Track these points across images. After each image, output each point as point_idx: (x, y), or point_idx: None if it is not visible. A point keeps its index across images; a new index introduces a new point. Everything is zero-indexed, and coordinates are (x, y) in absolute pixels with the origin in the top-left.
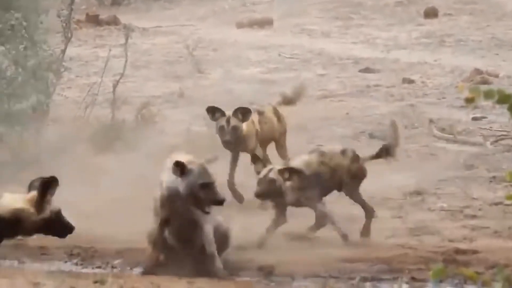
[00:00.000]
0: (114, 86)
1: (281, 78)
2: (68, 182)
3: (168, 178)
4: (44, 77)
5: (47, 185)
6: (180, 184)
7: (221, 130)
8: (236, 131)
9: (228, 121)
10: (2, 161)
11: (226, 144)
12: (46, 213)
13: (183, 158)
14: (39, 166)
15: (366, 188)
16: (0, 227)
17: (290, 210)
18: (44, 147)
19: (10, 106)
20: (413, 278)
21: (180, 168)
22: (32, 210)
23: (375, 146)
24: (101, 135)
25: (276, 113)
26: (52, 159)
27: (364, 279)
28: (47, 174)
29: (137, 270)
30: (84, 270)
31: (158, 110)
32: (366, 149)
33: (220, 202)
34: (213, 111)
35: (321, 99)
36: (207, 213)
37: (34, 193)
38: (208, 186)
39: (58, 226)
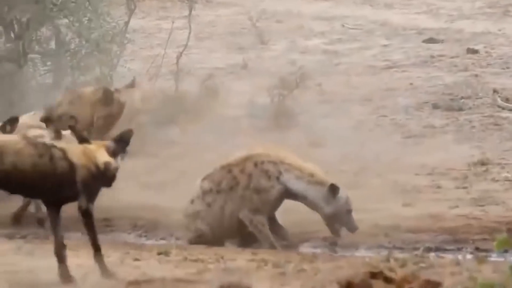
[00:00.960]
0: (178, 58)
1: (345, 49)
2: (132, 153)
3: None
4: (107, 49)
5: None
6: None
7: None
8: None
9: None
10: None
11: None
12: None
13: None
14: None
15: (430, 159)
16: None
17: None
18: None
19: (74, 78)
20: (477, 249)
21: (332, 192)
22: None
23: (439, 117)
24: (165, 107)
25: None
26: (116, 131)
27: (428, 250)
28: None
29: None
30: (148, 242)
31: (221, 82)
32: (430, 119)
33: (353, 230)
34: None
35: (385, 70)
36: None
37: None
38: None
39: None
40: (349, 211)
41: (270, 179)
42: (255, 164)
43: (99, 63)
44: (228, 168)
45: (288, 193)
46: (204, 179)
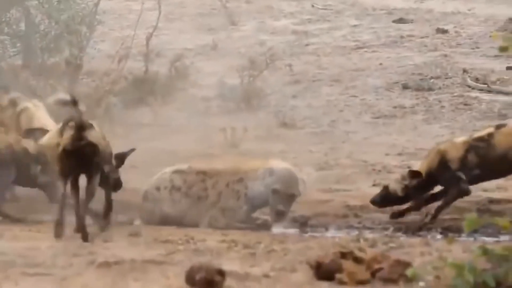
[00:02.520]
0: (148, 39)
1: (314, 29)
2: None
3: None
4: (77, 30)
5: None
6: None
7: None
8: None
9: None
10: None
11: None
12: None
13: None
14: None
15: (400, 138)
16: None
17: None
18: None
19: (44, 59)
20: (447, 228)
21: None
22: None
23: (409, 97)
24: (134, 88)
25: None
26: (86, 112)
27: (398, 230)
28: None
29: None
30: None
31: (191, 63)
32: (400, 99)
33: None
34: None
35: (354, 50)
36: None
37: None
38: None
39: None
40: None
41: (238, 200)
42: (227, 185)
43: (68, 44)
44: (202, 177)
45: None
46: (175, 172)
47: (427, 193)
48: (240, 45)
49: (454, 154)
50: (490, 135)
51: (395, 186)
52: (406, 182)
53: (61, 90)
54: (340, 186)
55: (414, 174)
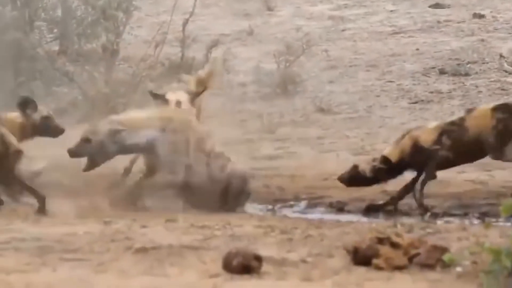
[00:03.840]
0: (184, 25)
1: (351, 14)
2: None
3: None
4: (114, 16)
5: None
6: None
7: None
8: None
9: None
10: (73, 100)
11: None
12: None
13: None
14: (109, 105)
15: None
16: None
17: None
18: (114, 86)
19: (81, 45)
20: (484, 213)
21: None
22: None
23: (446, 82)
24: (171, 74)
25: None
26: (122, 97)
27: (435, 215)
28: (116, 112)
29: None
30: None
31: (227, 48)
32: (436, 84)
33: None
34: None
35: (391, 35)
36: None
37: None
38: None
39: None
40: None
41: None
42: None
43: (105, 30)
44: None
45: None
46: None
47: (395, 177)
48: (276, 31)
49: (427, 138)
50: (461, 119)
51: (365, 167)
52: (375, 164)
53: (98, 76)
54: None
55: (385, 159)
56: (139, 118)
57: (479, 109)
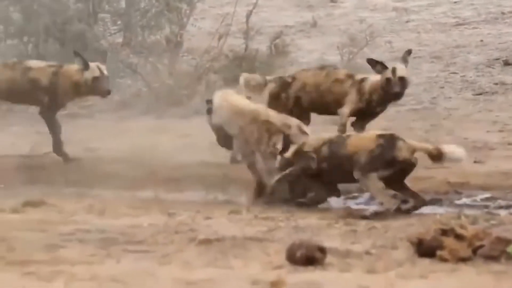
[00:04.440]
0: (248, 16)
1: (414, 6)
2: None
3: None
4: (177, 8)
5: None
6: None
7: (387, 83)
8: (404, 82)
9: (394, 71)
10: (137, 91)
11: (395, 97)
12: None
13: None
14: (173, 96)
15: (502, 115)
16: None
17: None
18: (178, 77)
19: (145, 37)
20: None
21: None
22: None
23: (510, 73)
24: (234, 66)
25: None
26: (185, 89)
27: (499, 207)
28: (179, 104)
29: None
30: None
31: (291, 40)
32: (501, 75)
33: None
34: (374, 64)
35: (455, 27)
36: None
37: None
38: None
39: None
40: None
41: None
42: None
43: (169, 22)
44: None
45: None
46: None
47: None
48: (340, 22)
49: (311, 144)
50: (347, 136)
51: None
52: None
53: (161, 67)
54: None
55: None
56: None
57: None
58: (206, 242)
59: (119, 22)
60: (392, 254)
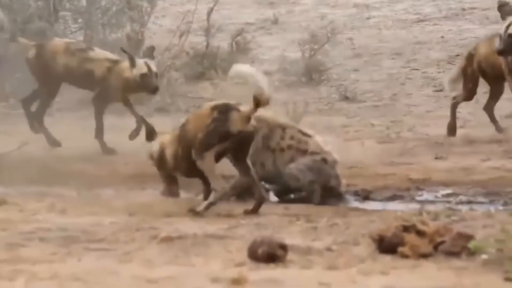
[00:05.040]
0: (209, 14)
1: (375, 2)
2: (163, 109)
3: None
4: (138, 6)
5: None
6: None
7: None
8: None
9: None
10: None
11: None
12: None
13: None
14: (135, 94)
15: (462, 111)
16: None
17: None
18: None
19: (106, 35)
20: (510, 200)
21: None
22: None
23: None
24: (196, 63)
25: None
26: None
27: (461, 202)
28: (143, 102)
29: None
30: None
31: (252, 37)
32: None
33: None
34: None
35: (416, 23)
36: None
37: None
38: None
39: None
40: None
41: None
42: None
43: (130, 20)
44: None
45: None
46: None
47: None
48: (301, 19)
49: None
50: (187, 120)
51: None
52: None
53: None
54: (402, 160)
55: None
56: None
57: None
58: (167, 239)
59: (80, 20)
60: (353, 250)
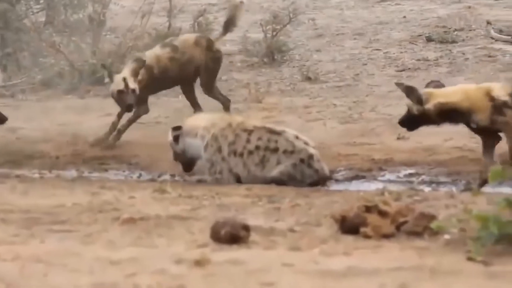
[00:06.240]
0: None
1: None
2: None
3: None
4: None
5: None
6: None
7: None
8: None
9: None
10: (60, 70)
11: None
12: None
13: None
14: (96, 75)
15: None
16: None
17: None
18: (101, 56)
19: (67, 16)
20: (472, 180)
21: None
22: None
23: (433, 49)
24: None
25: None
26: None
27: (423, 182)
28: (102, 83)
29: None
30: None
31: (214, 18)
32: (423, 52)
33: None
34: None
35: (378, 3)
36: None
37: None
38: None
39: None
40: None
41: None
42: None
43: (91, 0)
44: None
45: None
46: None
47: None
48: (263, 0)
49: None
50: None
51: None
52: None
53: (84, 46)
54: (365, 140)
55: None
56: None
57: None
58: (130, 221)
59: (41, 1)
60: (315, 231)
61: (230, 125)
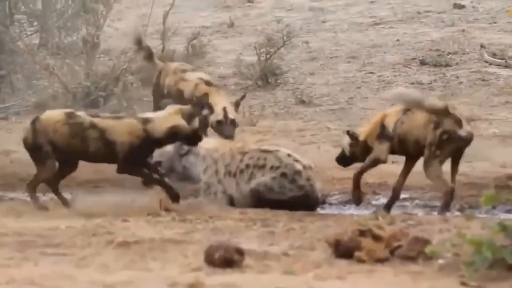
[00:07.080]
0: (164, 17)
1: (331, 5)
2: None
3: None
4: (94, 9)
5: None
6: None
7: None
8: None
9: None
10: (54, 93)
11: None
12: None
13: None
14: (90, 98)
15: None
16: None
17: None
18: (94, 79)
19: (61, 38)
20: (465, 205)
21: None
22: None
23: (427, 73)
24: (152, 67)
25: None
26: (102, 90)
27: (417, 207)
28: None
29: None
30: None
31: (208, 41)
32: (417, 75)
33: None
34: None
35: (371, 26)
36: None
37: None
38: None
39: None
40: None
41: None
42: None
43: (85, 23)
44: None
45: None
46: None
47: None
48: (257, 23)
49: None
50: None
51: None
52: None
53: (78, 69)
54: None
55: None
56: None
57: None
58: (124, 244)
59: (35, 23)
60: (309, 255)
61: (231, 150)
